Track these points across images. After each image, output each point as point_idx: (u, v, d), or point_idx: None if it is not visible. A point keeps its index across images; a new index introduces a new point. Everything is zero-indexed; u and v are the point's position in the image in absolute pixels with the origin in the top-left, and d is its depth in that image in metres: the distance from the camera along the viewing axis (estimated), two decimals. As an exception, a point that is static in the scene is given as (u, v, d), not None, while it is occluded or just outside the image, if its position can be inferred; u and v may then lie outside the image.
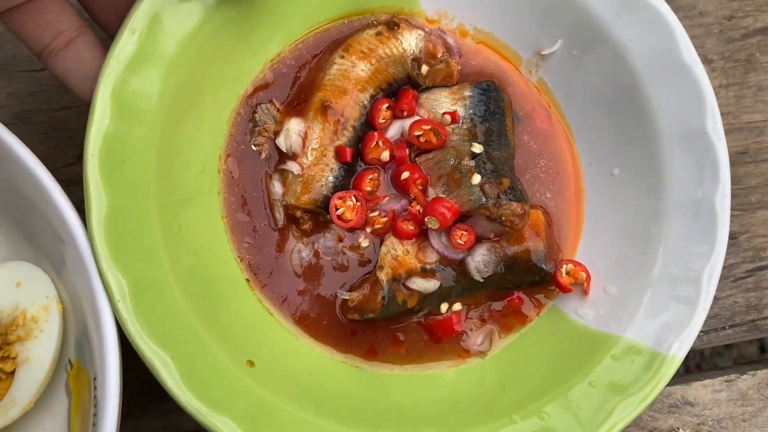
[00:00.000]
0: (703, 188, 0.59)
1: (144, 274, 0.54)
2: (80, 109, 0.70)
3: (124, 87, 0.55)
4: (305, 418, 0.56)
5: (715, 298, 0.59)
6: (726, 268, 0.67)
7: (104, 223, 0.53)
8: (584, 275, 0.63)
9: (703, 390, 0.68)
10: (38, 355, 0.57)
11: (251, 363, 0.57)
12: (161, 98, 0.58)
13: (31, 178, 0.53)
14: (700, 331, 0.57)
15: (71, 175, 0.69)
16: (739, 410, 0.67)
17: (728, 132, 0.72)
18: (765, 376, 0.69)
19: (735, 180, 0.68)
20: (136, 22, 0.56)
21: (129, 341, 0.51)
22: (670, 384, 0.62)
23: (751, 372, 0.69)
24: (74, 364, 0.59)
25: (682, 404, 0.67)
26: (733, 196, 0.60)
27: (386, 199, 0.65)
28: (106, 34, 0.60)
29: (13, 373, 0.56)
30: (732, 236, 0.73)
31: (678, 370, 0.56)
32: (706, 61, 0.76)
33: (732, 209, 0.60)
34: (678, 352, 0.56)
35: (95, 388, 0.52)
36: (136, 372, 0.53)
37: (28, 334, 0.57)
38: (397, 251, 0.62)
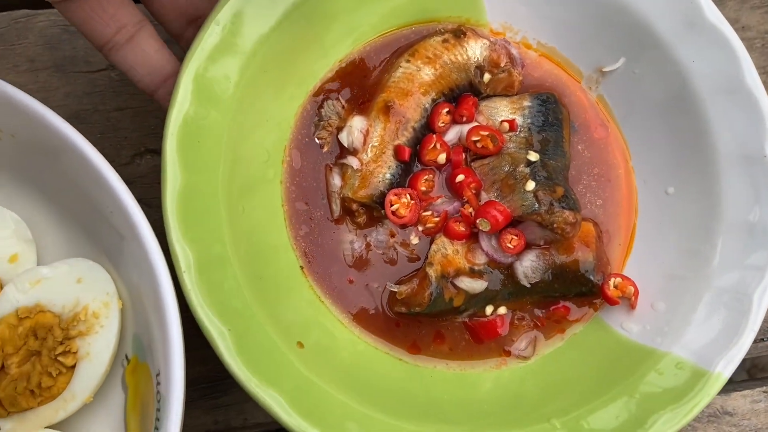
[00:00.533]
0: (759, 211, 0.59)
1: (208, 249, 0.57)
2: (134, 110, 0.73)
3: (205, 74, 0.59)
4: (348, 402, 0.58)
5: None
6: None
7: (177, 198, 0.56)
8: (632, 289, 0.63)
9: (743, 400, 0.67)
10: (98, 350, 0.59)
11: (300, 344, 0.59)
12: (237, 88, 0.61)
13: (96, 177, 0.54)
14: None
15: (126, 175, 0.69)
16: (779, 425, 0.66)
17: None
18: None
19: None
20: (221, 16, 0.60)
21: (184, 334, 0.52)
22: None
23: (790, 384, 0.68)
24: (132, 359, 0.61)
25: (722, 414, 0.67)
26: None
27: (440, 200, 0.67)
28: (166, 31, 0.63)
29: (73, 367, 0.59)
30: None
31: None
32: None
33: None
34: (724, 370, 0.55)
35: (158, 383, 0.54)
36: (186, 369, 0.53)
37: (89, 329, 0.59)
38: (447, 250, 0.64)
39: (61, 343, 0.58)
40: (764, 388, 0.69)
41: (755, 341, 0.71)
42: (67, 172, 0.59)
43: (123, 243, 0.58)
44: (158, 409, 0.53)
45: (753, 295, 0.57)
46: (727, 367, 0.55)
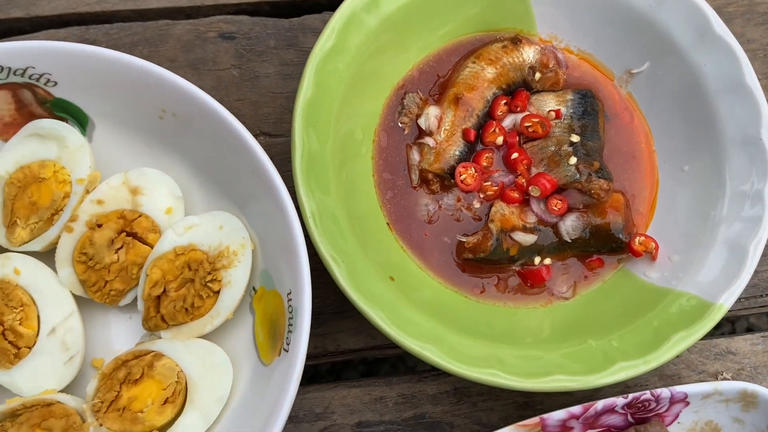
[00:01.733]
0: (755, 182, 0.75)
1: (322, 202, 0.74)
2: (252, 101, 0.91)
3: (322, 68, 0.77)
4: (425, 324, 0.74)
5: (756, 272, 0.74)
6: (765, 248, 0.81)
7: (302, 161, 0.73)
8: (654, 245, 0.79)
9: (744, 343, 0.82)
10: (237, 279, 0.76)
11: (392, 278, 0.76)
12: (343, 80, 0.79)
13: (242, 147, 0.71)
14: (742, 298, 0.72)
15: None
16: (772, 359, 0.82)
17: None
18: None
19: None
20: (335, 24, 0.77)
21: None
22: (717, 337, 0.77)
23: (784, 330, 0.83)
24: (259, 289, 0.78)
25: (726, 353, 0.81)
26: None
27: (497, 173, 0.84)
28: None
29: (218, 292, 0.76)
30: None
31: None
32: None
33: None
34: (725, 302, 0.71)
35: (290, 299, 0.71)
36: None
37: (230, 263, 0.76)
38: (505, 211, 0.80)
39: (209, 273, 0.76)
40: (762, 333, 0.84)
41: (755, 296, 0.87)
42: (213, 142, 0.76)
43: (253, 199, 0.76)
44: (291, 318, 0.70)
45: (749, 245, 0.72)
46: (728, 300, 0.71)
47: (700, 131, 0.81)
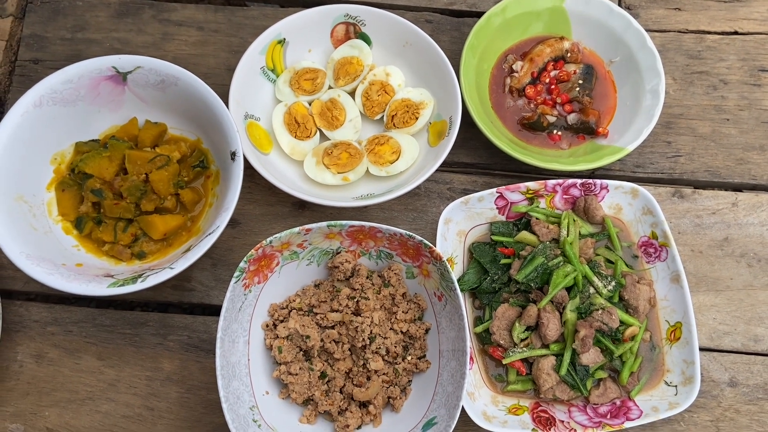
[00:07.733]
0: (655, 87, 1.75)
1: (470, 87, 1.78)
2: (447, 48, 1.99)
3: (477, 34, 1.83)
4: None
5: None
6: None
7: (464, 67, 1.78)
8: (607, 131, 1.79)
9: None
10: (425, 114, 1.81)
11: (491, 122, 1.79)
12: (482, 44, 1.85)
13: (439, 60, 1.81)
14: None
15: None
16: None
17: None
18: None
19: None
20: (481, 22, 1.84)
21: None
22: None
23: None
24: (432, 122, 1.83)
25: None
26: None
27: (543, 93, 1.86)
28: None
29: (417, 118, 1.81)
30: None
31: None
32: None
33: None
34: (630, 147, 1.70)
35: (451, 119, 1.75)
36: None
37: (423, 107, 1.82)
38: (544, 107, 1.83)
39: (415, 110, 1.80)
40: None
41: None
42: (423, 58, 1.83)
43: (437, 81, 1.81)
44: (450, 126, 1.73)
45: (648, 124, 1.72)
46: (631, 146, 1.70)
47: (636, 84, 1.82)
